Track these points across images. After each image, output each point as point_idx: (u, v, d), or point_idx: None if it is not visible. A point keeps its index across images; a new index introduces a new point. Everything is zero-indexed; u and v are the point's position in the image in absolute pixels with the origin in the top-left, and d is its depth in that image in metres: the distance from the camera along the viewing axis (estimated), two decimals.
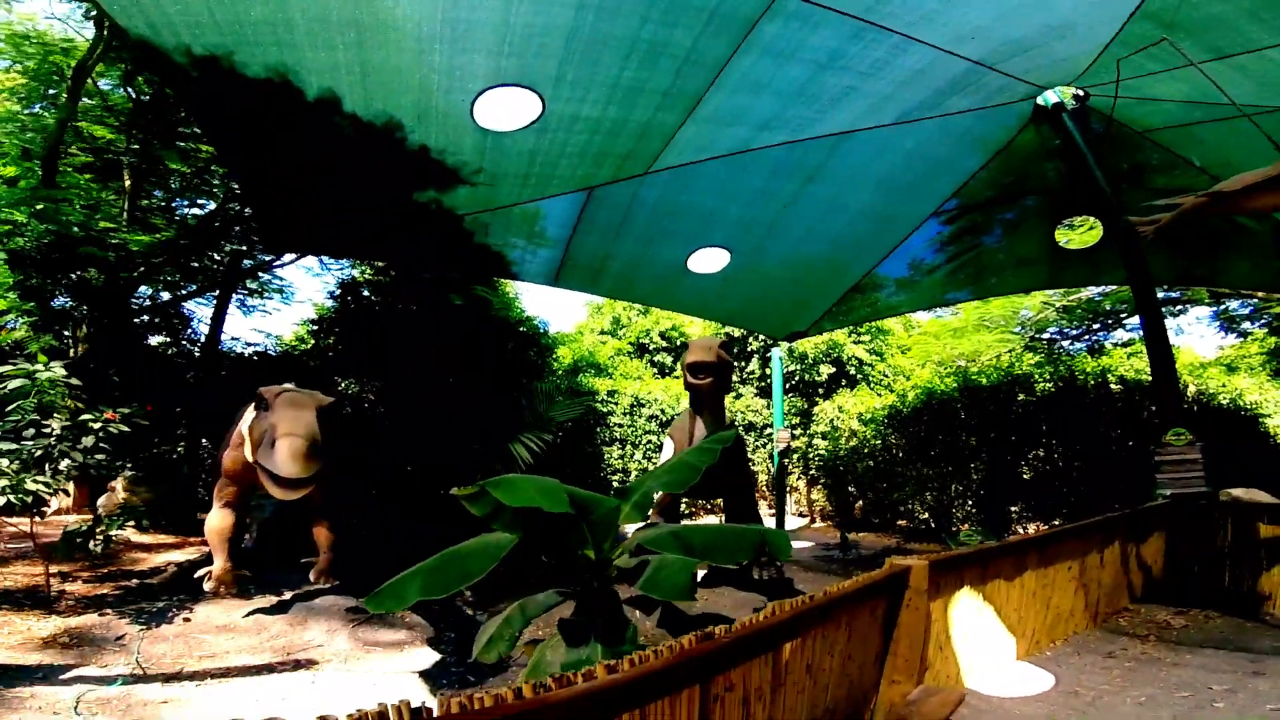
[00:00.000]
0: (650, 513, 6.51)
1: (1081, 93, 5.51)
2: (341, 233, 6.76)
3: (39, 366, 4.18)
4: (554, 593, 3.18)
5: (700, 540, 3.08)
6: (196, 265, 8.15)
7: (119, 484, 7.15)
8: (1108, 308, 11.08)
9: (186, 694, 3.43)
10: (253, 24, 3.69)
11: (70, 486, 6.81)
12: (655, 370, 14.79)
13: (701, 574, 6.65)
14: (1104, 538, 4.84)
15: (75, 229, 5.67)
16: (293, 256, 9.42)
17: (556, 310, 57.10)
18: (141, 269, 7.02)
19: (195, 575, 5.37)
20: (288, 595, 5.22)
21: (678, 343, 15.58)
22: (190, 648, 4.12)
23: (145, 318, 8.29)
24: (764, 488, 12.22)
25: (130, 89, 6.61)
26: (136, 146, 6.63)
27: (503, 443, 6.78)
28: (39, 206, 5.35)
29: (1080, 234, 7.80)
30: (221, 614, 4.69)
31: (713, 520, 10.69)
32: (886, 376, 12.97)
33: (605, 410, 11.01)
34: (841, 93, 5.18)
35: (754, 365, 13.56)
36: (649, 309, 15.67)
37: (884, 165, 6.34)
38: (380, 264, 9.82)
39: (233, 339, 10.74)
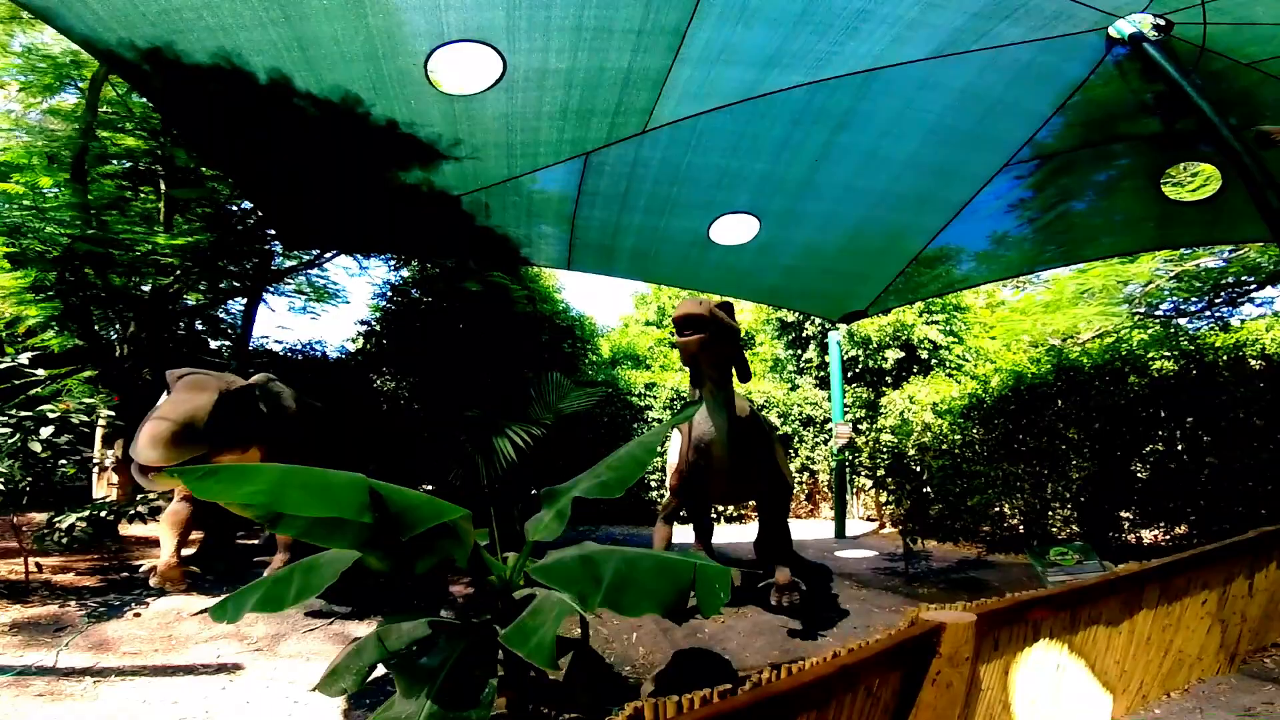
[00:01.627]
0: (657, 523, 5.85)
1: (1162, 21, 4.37)
2: (343, 225, 6.62)
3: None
4: (425, 623, 2.57)
5: (612, 572, 2.35)
6: (235, 269, 8.40)
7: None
8: (1230, 279, 8.94)
9: (78, 689, 3.19)
10: (176, 9, 3.48)
11: (114, 476, 7.11)
12: None
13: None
14: (1254, 559, 3.74)
15: (90, 231, 5.81)
16: (330, 255, 9.55)
17: (605, 304, 56.73)
18: (177, 273, 7.24)
19: (141, 571, 5.07)
20: None
21: None
22: (122, 642, 3.92)
23: (187, 320, 8.67)
24: (825, 488, 11.12)
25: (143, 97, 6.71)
26: (161, 153, 6.81)
27: (489, 435, 6.29)
28: (58, 215, 5.50)
29: (1191, 187, 6.36)
30: (175, 610, 4.48)
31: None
32: (966, 361, 11.38)
33: (643, 405, 10.28)
34: (855, 17, 4.29)
35: (811, 352, 12.36)
36: (695, 297, 14.85)
37: (931, 108, 5.33)
38: (411, 260, 9.77)
39: (277, 341, 10.90)
